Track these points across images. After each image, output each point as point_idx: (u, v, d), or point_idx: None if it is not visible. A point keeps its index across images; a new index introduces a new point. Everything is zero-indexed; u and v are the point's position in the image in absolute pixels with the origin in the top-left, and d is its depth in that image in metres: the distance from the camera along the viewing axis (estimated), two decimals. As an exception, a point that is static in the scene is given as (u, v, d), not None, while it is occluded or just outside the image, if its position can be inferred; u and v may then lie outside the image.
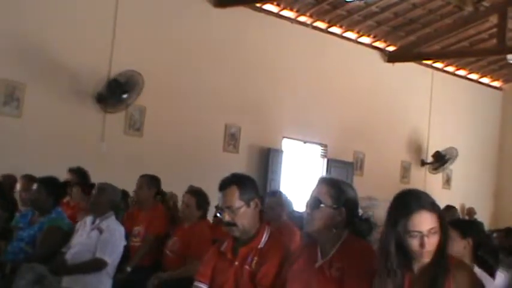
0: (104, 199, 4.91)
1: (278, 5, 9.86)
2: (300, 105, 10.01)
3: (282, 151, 9.97)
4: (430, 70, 12.20)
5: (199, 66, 8.93)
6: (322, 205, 2.95)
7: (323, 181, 3.06)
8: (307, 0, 9.84)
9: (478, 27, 11.10)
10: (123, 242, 4.94)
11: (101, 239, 4.75)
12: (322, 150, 10.51)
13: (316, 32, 10.41)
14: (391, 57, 11.42)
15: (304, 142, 10.36)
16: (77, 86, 7.99)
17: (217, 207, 3.42)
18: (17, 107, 7.55)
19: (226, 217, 3.32)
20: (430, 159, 12.03)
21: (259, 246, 3.32)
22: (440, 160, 11.96)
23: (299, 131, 10.13)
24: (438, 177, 12.17)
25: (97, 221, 4.85)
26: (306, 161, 10.44)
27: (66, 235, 5.02)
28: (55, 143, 7.65)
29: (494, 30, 10.58)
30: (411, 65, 11.75)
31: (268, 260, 3.27)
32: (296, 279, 3.03)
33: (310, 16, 10.22)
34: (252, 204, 3.34)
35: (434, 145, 12.03)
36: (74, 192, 5.99)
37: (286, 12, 10.01)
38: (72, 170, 6.24)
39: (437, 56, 11.93)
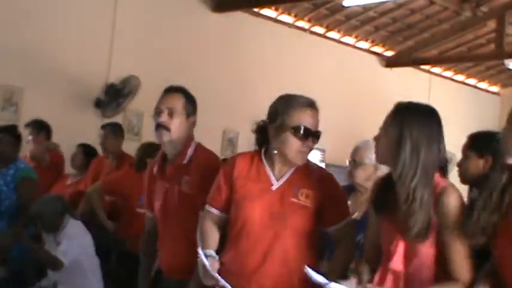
0: (48, 218, 4.82)
1: (276, 9, 9.85)
2: (298, 110, 9.96)
3: (280, 156, 9.93)
4: (427, 75, 12.20)
5: (197, 71, 8.91)
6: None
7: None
8: (305, 5, 9.81)
9: (476, 32, 11.08)
10: (88, 236, 4.92)
11: (59, 250, 4.73)
12: (321, 155, 10.50)
13: (314, 36, 10.40)
14: (389, 62, 11.42)
15: (302, 147, 10.33)
16: (75, 91, 7.97)
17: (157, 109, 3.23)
18: (15, 111, 7.53)
19: (163, 117, 3.18)
20: (428, 164, 12.01)
21: (183, 162, 3.22)
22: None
23: (297, 136, 10.08)
24: (436, 182, 12.15)
25: (56, 236, 4.83)
26: (304, 166, 10.41)
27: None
28: (53, 148, 7.63)
29: (492, 35, 10.57)
30: (409, 70, 11.75)
31: (194, 175, 3.15)
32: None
33: (308, 21, 10.22)
34: (191, 119, 3.26)
35: (432, 150, 12.00)
36: None
37: (284, 17, 10.01)
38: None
39: (435, 61, 11.91)
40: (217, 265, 2.78)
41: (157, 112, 3.21)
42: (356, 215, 3.62)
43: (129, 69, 8.16)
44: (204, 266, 2.72)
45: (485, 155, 3.19)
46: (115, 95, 8.07)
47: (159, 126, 3.18)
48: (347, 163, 3.79)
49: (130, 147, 8.37)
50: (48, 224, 4.83)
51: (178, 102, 3.21)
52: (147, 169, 3.47)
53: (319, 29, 10.44)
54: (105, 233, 5.61)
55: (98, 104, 8.06)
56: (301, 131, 2.84)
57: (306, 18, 10.16)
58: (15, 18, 7.51)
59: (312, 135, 2.87)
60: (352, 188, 3.80)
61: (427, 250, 2.47)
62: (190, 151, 3.23)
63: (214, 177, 3.00)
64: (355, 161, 3.64)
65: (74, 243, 4.79)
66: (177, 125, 3.18)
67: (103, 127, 6.55)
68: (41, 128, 6.31)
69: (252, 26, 9.66)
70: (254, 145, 3.03)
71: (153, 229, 3.38)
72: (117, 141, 6.41)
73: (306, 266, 2.50)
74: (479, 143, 3.22)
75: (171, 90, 3.28)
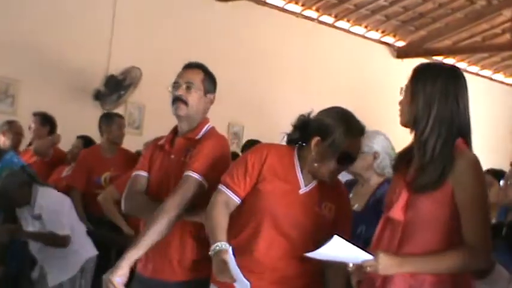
0: (16, 192, 4.63)
1: (283, -2, 9.70)
2: (305, 102, 9.66)
3: (287, 149, 9.81)
4: (440, 66, 12.05)
5: (200, 62, 8.76)
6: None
7: None
8: (314, -7, 9.69)
9: (491, 21, 10.86)
10: (66, 200, 4.84)
11: (46, 222, 4.59)
12: (329, 149, 10.36)
13: (323, 26, 10.22)
14: (401, 53, 11.26)
15: (310, 140, 10.22)
16: (74, 83, 7.85)
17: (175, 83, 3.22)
18: (11, 104, 7.47)
19: (181, 91, 3.18)
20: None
21: (196, 137, 3.19)
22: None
23: (305, 128, 9.98)
24: (449, 176, 12.01)
25: (32, 210, 4.66)
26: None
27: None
28: (51, 141, 7.56)
29: (508, 24, 10.44)
30: (421, 61, 11.52)
31: (200, 146, 3.10)
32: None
33: (317, 10, 10.04)
34: (209, 96, 3.28)
35: (445, 143, 11.88)
36: None
37: (291, 6, 9.82)
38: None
39: (448, 52, 11.69)
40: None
41: (176, 86, 3.22)
42: (356, 207, 3.59)
43: (130, 60, 8.04)
44: (227, 263, 2.57)
45: None
46: (115, 87, 7.96)
47: (177, 100, 3.18)
48: None
49: (131, 141, 8.29)
50: (18, 199, 4.66)
51: (197, 77, 3.24)
52: (152, 141, 3.46)
53: (328, 19, 10.26)
54: (105, 229, 5.53)
55: (98, 96, 7.95)
56: (347, 159, 2.90)
57: (314, 7, 9.97)
58: (12, 8, 7.40)
59: (352, 161, 2.94)
60: (355, 183, 3.79)
61: (430, 206, 2.40)
62: (204, 129, 3.22)
63: (218, 162, 3.03)
64: None
65: (57, 211, 4.66)
66: (195, 100, 3.19)
67: (119, 116, 6.52)
68: (46, 121, 6.29)
69: (258, 15, 9.47)
70: (285, 137, 3.11)
71: (145, 188, 3.25)
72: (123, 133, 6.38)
73: (306, 254, 2.46)
74: None
75: (190, 65, 3.31)
